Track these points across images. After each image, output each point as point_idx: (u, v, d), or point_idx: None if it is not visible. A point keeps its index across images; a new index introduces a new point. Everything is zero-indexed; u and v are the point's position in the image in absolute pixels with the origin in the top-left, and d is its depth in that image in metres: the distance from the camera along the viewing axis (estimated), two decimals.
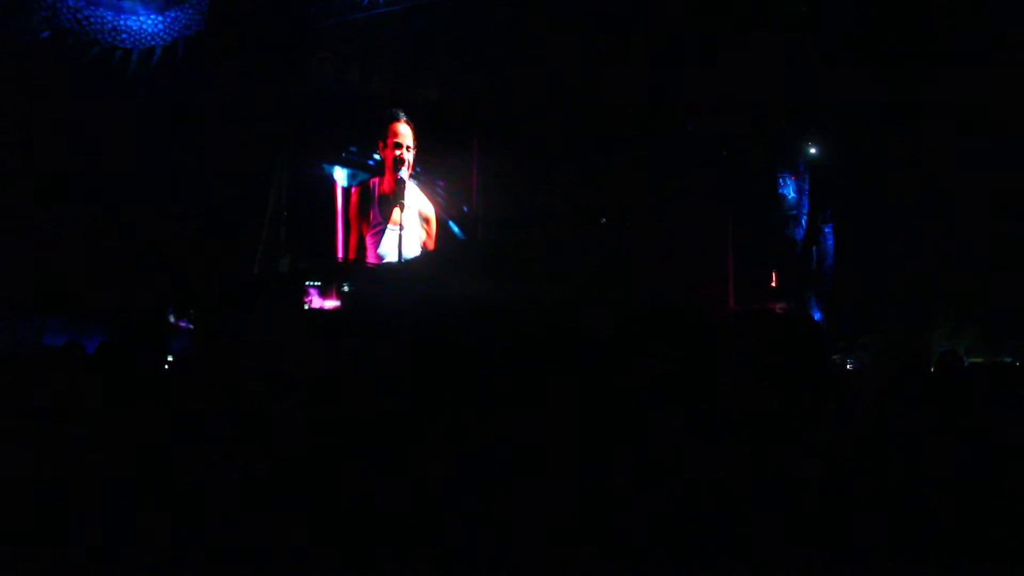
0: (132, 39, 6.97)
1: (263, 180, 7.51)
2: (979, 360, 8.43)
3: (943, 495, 2.22)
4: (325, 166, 7.98)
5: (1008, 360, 8.64)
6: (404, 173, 5.85)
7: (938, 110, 8.75)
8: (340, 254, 6.91)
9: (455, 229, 8.09)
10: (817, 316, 9.55)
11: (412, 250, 5.93)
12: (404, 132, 5.93)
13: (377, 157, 6.93)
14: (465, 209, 8.49)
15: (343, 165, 8.03)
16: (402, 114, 5.98)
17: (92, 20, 6.78)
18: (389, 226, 5.95)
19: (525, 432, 2.43)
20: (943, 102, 8.63)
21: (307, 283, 5.04)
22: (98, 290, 6.28)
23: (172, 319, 6.12)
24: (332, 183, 7.90)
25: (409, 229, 5.97)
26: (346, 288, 4.92)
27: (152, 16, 7.06)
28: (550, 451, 2.36)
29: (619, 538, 2.11)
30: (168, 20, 7.08)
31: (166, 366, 4.29)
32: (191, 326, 5.96)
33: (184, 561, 2.09)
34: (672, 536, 2.11)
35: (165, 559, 2.10)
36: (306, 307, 4.93)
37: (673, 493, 2.22)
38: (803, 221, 9.99)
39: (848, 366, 7.83)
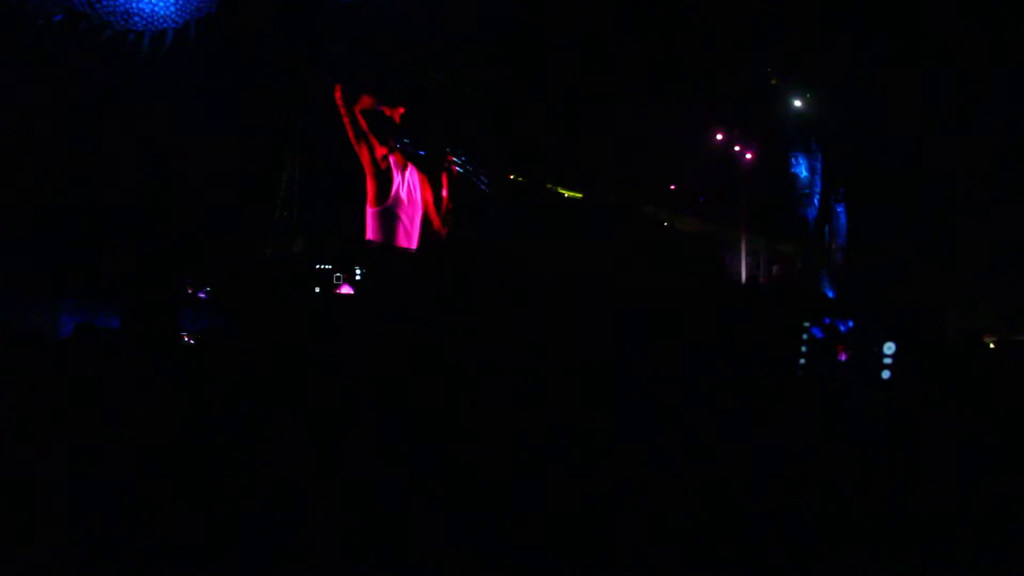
0: (145, 22, 6.99)
1: (275, 162, 7.55)
2: (994, 340, 8.34)
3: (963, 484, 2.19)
4: (338, 148, 8.00)
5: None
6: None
7: (951, 86, 8.67)
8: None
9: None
10: (829, 294, 9.52)
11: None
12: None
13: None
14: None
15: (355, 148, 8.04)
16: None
17: (105, 3, 6.81)
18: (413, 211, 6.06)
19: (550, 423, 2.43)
20: (956, 79, 8.56)
21: (318, 266, 5.10)
22: (113, 271, 6.35)
23: (190, 290, 6.20)
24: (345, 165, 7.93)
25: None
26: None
27: None
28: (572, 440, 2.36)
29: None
30: (180, 2, 7.09)
31: (183, 346, 4.35)
32: (208, 297, 6.05)
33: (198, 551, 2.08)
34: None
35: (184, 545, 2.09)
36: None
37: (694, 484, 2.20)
38: (816, 200, 9.93)
39: None
